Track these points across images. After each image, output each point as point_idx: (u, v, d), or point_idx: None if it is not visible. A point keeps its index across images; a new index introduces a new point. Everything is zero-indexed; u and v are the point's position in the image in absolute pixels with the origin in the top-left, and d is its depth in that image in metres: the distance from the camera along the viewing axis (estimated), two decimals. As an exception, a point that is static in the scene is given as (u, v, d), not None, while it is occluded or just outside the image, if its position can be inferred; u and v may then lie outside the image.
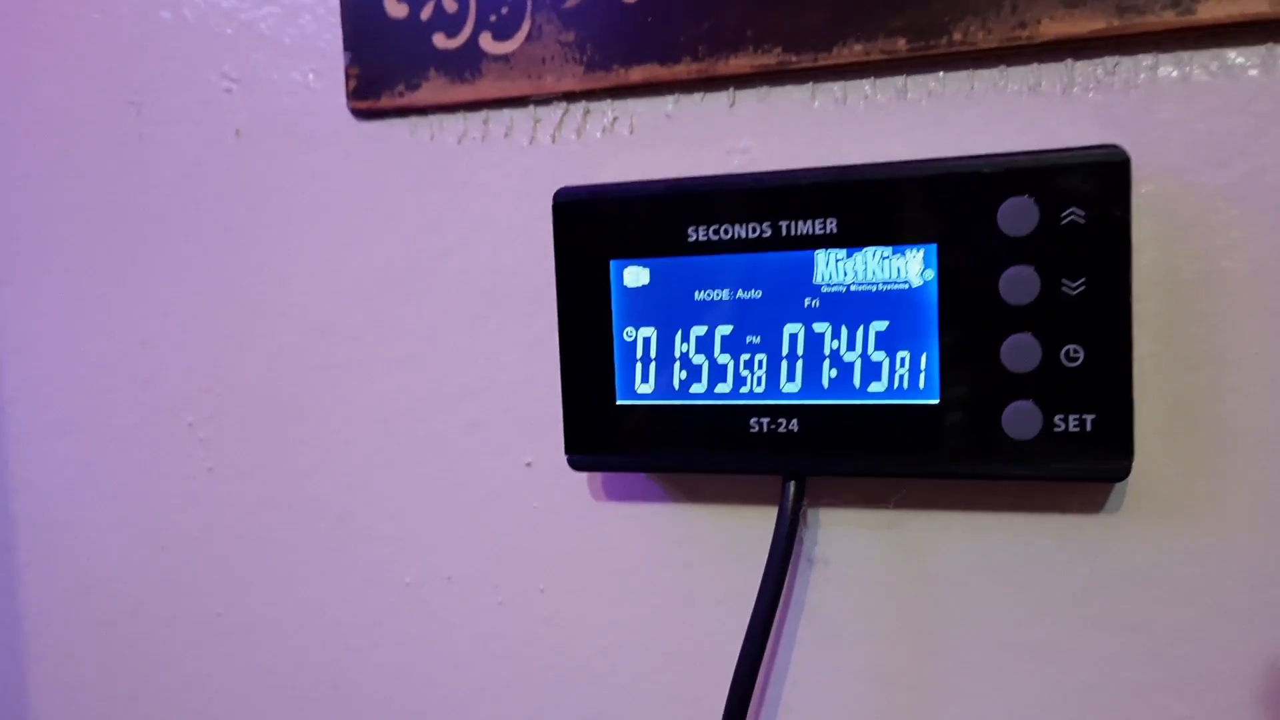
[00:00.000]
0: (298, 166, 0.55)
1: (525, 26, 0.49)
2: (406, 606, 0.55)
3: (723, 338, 0.44)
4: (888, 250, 0.41)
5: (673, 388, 0.45)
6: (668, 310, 0.44)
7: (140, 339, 0.59)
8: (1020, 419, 0.40)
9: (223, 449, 0.58)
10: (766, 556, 0.45)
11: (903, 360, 0.41)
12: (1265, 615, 0.41)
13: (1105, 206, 0.38)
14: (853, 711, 0.47)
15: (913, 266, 0.41)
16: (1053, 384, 0.39)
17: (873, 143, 0.44)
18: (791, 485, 0.44)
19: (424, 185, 0.52)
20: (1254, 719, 0.42)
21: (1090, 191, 0.38)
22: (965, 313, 0.40)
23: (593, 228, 0.45)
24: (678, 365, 0.44)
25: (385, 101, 0.52)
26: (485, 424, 0.52)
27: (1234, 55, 0.40)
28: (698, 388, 0.44)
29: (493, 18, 0.49)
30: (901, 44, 0.43)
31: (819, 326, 0.42)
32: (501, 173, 0.51)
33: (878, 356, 0.42)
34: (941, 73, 0.43)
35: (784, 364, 0.43)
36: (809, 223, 0.42)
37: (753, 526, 0.48)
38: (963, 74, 0.43)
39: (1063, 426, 0.39)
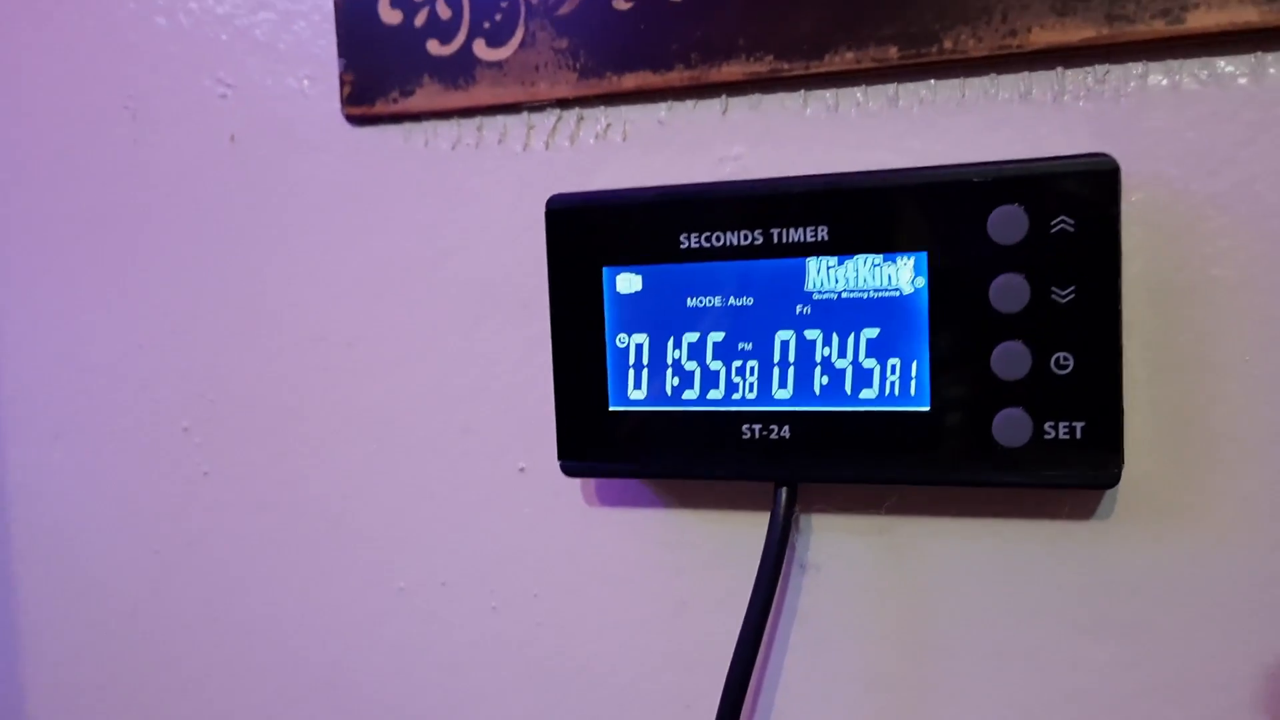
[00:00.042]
0: (292, 172, 0.55)
1: (519, 33, 0.49)
2: (401, 611, 0.55)
3: (715, 344, 0.44)
4: (879, 258, 0.41)
5: (665, 394, 0.45)
6: (660, 317, 0.45)
7: (136, 343, 0.59)
8: (1011, 426, 0.40)
9: (218, 453, 0.58)
10: (759, 562, 0.45)
11: (894, 367, 0.41)
12: (1257, 620, 0.41)
13: (1095, 215, 0.38)
14: (845, 717, 0.47)
15: (904, 274, 0.41)
16: (1043, 391, 0.39)
17: (864, 150, 0.45)
18: (783, 491, 0.44)
19: (418, 191, 0.52)
20: (1244, 725, 0.42)
21: (1080, 200, 0.38)
22: (956, 320, 0.40)
23: (586, 234, 0.45)
24: (670, 371, 0.45)
25: (380, 107, 0.52)
26: (479, 429, 0.52)
27: (1223, 64, 0.40)
28: (690, 394, 0.44)
29: (486, 24, 0.49)
30: (893, 52, 0.43)
31: (810, 333, 0.42)
32: (495, 179, 0.51)
33: (869, 363, 0.42)
34: (933, 81, 0.44)
35: (776, 370, 0.43)
36: (800, 230, 0.42)
37: (745, 532, 0.48)
38: (954, 82, 0.43)
39: (1053, 434, 0.39)
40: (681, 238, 0.44)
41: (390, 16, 0.51)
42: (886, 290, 0.41)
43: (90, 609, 0.63)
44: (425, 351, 0.53)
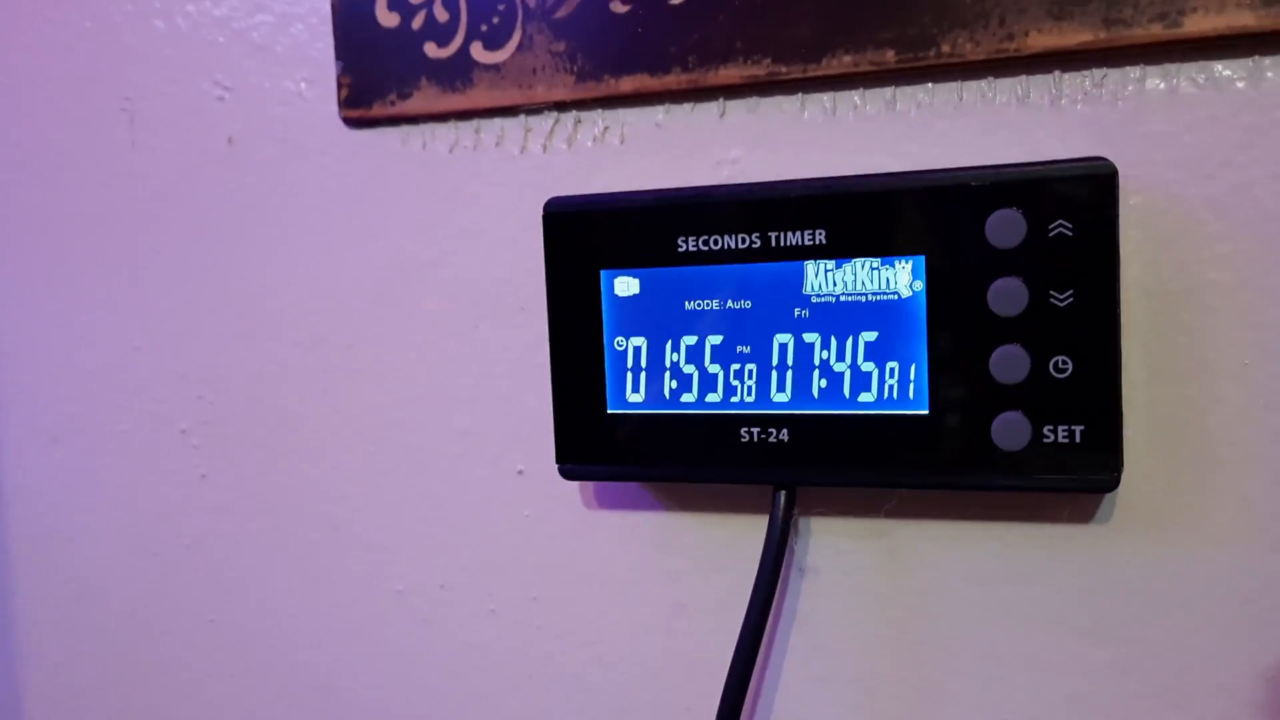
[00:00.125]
0: (289, 175, 0.55)
1: (516, 36, 0.49)
2: (399, 614, 0.55)
3: (713, 347, 0.44)
4: (877, 261, 0.41)
5: (663, 397, 0.45)
6: (658, 320, 0.45)
7: (134, 345, 0.59)
8: (1009, 430, 0.40)
9: (216, 455, 0.58)
10: (757, 565, 0.45)
11: (892, 370, 0.41)
12: (1254, 625, 0.41)
13: (1093, 218, 0.38)
14: (843, 720, 0.47)
15: (902, 277, 0.41)
16: (1042, 395, 0.39)
17: (862, 154, 0.45)
18: (782, 495, 0.44)
19: (415, 194, 0.52)
20: (1242, 728, 0.42)
21: (1078, 203, 0.38)
22: (954, 324, 0.40)
23: (583, 237, 0.45)
24: (668, 375, 0.45)
25: (377, 110, 0.52)
26: (477, 432, 0.52)
27: (1221, 68, 0.40)
28: (688, 397, 0.44)
29: (484, 27, 0.49)
30: (890, 55, 0.43)
31: (809, 336, 0.42)
32: (492, 182, 0.51)
33: (867, 367, 0.42)
34: (930, 84, 0.44)
35: (774, 374, 0.43)
36: (798, 233, 0.42)
37: (743, 535, 0.48)
38: (951, 85, 0.43)
39: (1052, 437, 0.39)
40: (679, 241, 0.44)
41: (388, 19, 0.51)
42: (885, 293, 0.41)
43: (88, 611, 0.63)
44: (423, 354, 0.53)
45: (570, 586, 0.52)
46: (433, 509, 0.54)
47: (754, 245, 0.43)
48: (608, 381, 0.46)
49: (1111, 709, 0.43)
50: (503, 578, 0.53)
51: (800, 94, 0.45)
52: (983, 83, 0.43)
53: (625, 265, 0.45)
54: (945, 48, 0.42)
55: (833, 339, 0.42)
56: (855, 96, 0.45)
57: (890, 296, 0.41)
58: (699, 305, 0.44)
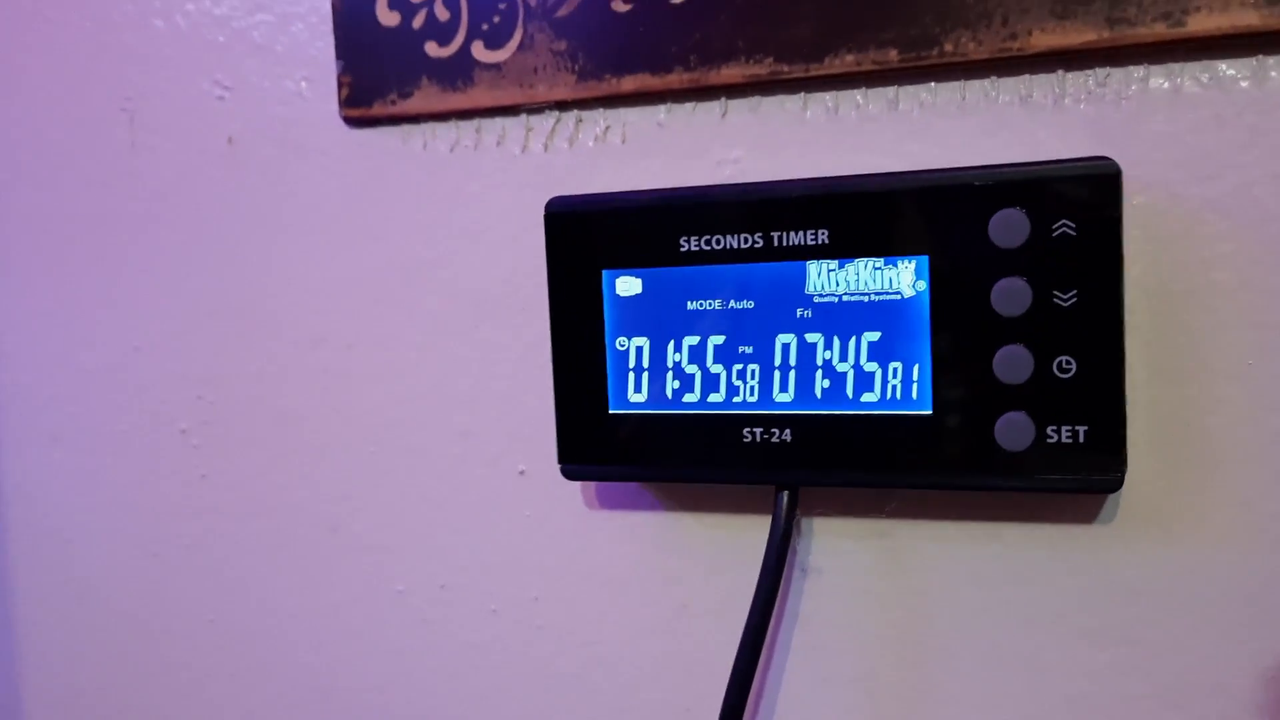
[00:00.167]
0: (290, 174, 0.54)
1: (517, 35, 0.49)
2: (399, 614, 0.55)
3: (715, 348, 0.44)
4: (880, 261, 0.41)
5: (665, 397, 0.45)
6: (660, 320, 0.44)
7: (134, 345, 0.59)
8: (1013, 430, 0.40)
9: (216, 456, 0.58)
10: (758, 566, 0.45)
11: (895, 371, 0.41)
12: (1256, 626, 0.41)
13: (1096, 218, 0.38)
14: (845, 720, 0.47)
15: (905, 277, 0.41)
16: (1045, 395, 0.39)
17: (864, 153, 0.45)
18: (785, 495, 0.44)
19: (416, 193, 0.52)
20: (1245, 728, 0.42)
21: (1081, 203, 0.38)
22: (957, 324, 0.40)
23: (585, 237, 0.45)
24: (670, 375, 0.44)
25: (377, 109, 0.52)
26: (478, 432, 0.52)
27: (1224, 67, 0.40)
28: (690, 397, 0.44)
29: (485, 26, 0.49)
30: (893, 55, 0.43)
31: (811, 337, 0.42)
32: (494, 181, 0.51)
33: (870, 367, 0.42)
34: (933, 84, 0.43)
35: (776, 374, 0.43)
36: (801, 234, 0.42)
37: (745, 536, 0.48)
38: (954, 85, 0.43)
39: (1055, 438, 0.39)
40: (681, 241, 0.44)
41: (388, 18, 0.51)
42: (888, 293, 0.41)
43: (88, 612, 0.62)
44: (424, 354, 0.53)
45: (571, 587, 0.52)
46: (433, 509, 0.54)
47: (756, 245, 0.43)
48: (609, 381, 0.45)
49: (1112, 709, 0.43)
50: (504, 578, 0.53)
51: (802, 93, 0.45)
52: (986, 82, 0.43)
53: (627, 265, 0.45)
54: (948, 47, 0.42)
55: (835, 339, 0.42)
56: (858, 96, 0.45)
57: (893, 296, 0.41)
58: (701, 305, 0.44)
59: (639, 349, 0.45)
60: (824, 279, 0.42)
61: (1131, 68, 0.41)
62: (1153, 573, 0.42)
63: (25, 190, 0.61)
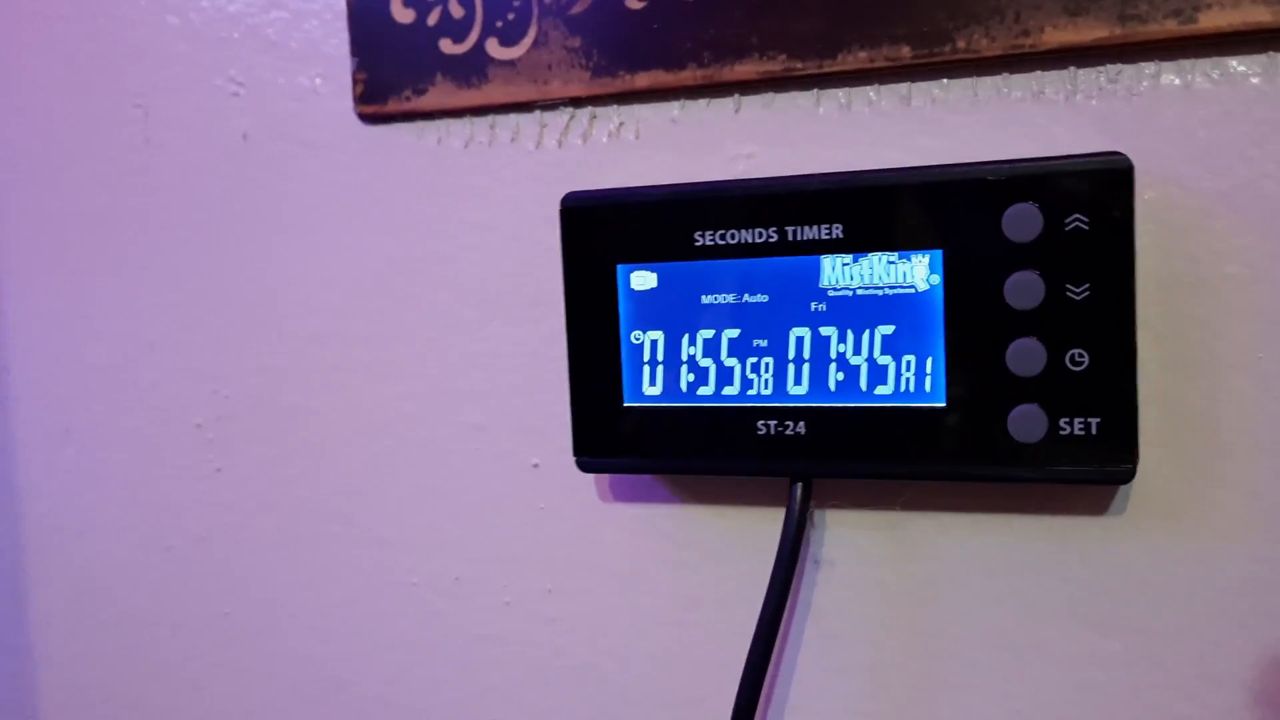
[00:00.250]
0: (304, 171, 0.55)
1: (531, 32, 0.49)
2: (413, 606, 0.55)
3: (730, 341, 0.44)
4: (893, 255, 0.41)
5: (680, 390, 0.45)
6: (675, 313, 0.45)
7: (148, 341, 0.59)
8: (1026, 422, 0.40)
9: (231, 450, 0.58)
10: (773, 558, 0.45)
11: (909, 363, 0.42)
12: (1266, 616, 0.42)
13: (1109, 213, 0.38)
14: (858, 712, 0.48)
15: (918, 271, 0.41)
16: (1058, 387, 0.40)
17: (877, 149, 0.45)
18: (799, 487, 0.44)
19: (430, 189, 0.53)
20: None
21: (1094, 198, 0.39)
22: (971, 317, 0.41)
23: (600, 232, 0.46)
24: (685, 368, 0.45)
25: (392, 106, 0.52)
26: (492, 426, 0.53)
27: (1235, 63, 0.40)
28: (705, 390, 0.45)
29: (499, 23, 0.49)
30: (906, 51, 0.43)
31: (825, 330, 0.43)
32: (507, 177, 0.51)
33: (884, 360, 0.42)
34: (945, 80, 0.44)
35: (791, 367, 0.43)
36: (815, 228, 0.42)
37: (758, 528, 0.48)
38: (966, 81, 0.44)
39: (1068, 429, 0.40)
40: (696, 235, 0.44)
41: (403, 15, 0.51)
42: (901, 287, 0.41)
43: (102, 606, 0.63)
44: (438, 348, 0.53)
45: (584, 579, 0.52)
46: (446, 502, 0.54)
47: (770, 239, 0.43)
48: (624, 374, 0.46)
49: (1123, 699, 0.44)
50: (517, 571, 0.53)
51: (815, 89, 0.46)
52: (998, 78, 0.43)
53: (642, 259, 0.45)
54: (960, 43, 0.42)
55: (849, 332, 0.42)
56: (870, 92, 0.45)
57: (907, 290, 0.41)
58: (716, 299, 0.44)
59: (654, 342, 0.45)
60: (838, 273, 0.42)
61: (1143, 64, 0.41)
62: (1163, 563, 0.43)
63: (39, 187, 0.61)
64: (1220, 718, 0.43)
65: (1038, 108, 0.43)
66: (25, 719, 0.66)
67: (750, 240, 0.43)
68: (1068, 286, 0.39)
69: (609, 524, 0.51)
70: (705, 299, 0.44)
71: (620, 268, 0.45)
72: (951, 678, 0.46)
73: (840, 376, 0.43)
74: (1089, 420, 0.39)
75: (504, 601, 0.54)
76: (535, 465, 0.52)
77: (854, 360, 0.42)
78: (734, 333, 0.44)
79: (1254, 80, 0.40)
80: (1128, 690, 0.44)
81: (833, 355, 0.43)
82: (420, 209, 0.53)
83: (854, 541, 0.47)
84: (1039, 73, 0.42)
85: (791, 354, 0.43)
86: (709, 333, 0.44)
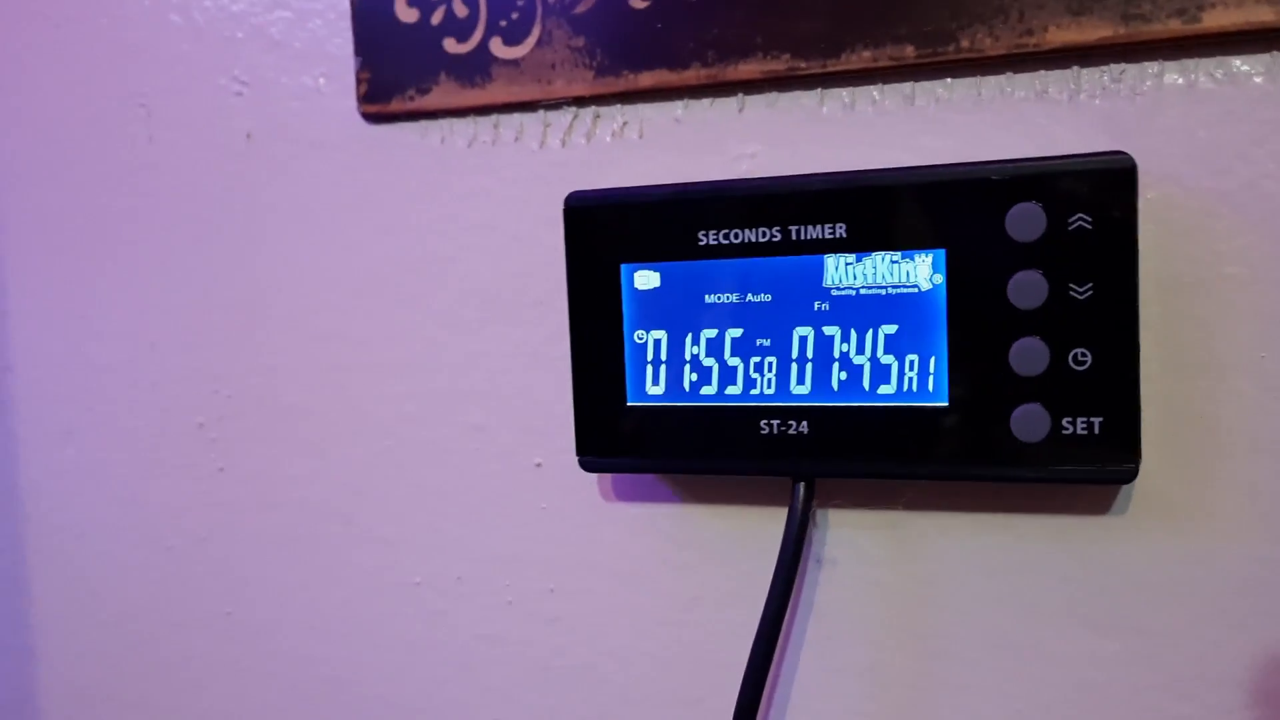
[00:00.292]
0: (308, 170, 0.55)
1: (535, 31, 0.49)
2: (415, 606, 0.55)
3: (733, 340, 0.44)
4: (897, 255, 0.41)
5: (683, 389, 0.45)
6: (678, 313, 0.45)
7: (150, 341, 0.59)
8: (1029, 421, 0.40)
9: (233, 450, 0.58)
10: (773, 558, 0.45)
11: (912, 363, 0.42)
12: (1266, 617, 0.42)
13: (1112, 212, 0.39)
14: (858, 712, 0.48)
15: (922, 271, 0.41)
16: (1061, 387, 0.40)
17: (880, 148, 0.45)
18: (801, 486, 0.44)
19: (434, 189, 0.53)
20: None
21: (1097, 198, 0.39)
22: (974, 316, 0.41)
23: (604, 232, 0.46)
24: (688, 367, 0.45)
25: (396, 105, 0.52)
26: (494, 425, 0.53)
27: (1239, 63, 0.40)
28: (708, 389, 0.45)
29: (503, 23, 0.49)
30: (909, 51, 0.43)
31: (829, 329, 0.43)
32: (511, 177, 0.51)
33: (887, 359, 0.42)
34: (949, 79, 0.44)
35: (794, 366, 0.43)
36: (818, 227, 0.42)
37: (760, 527, 0.48)
38: (970, 80, 0.44)
39: (1071, 429, 0.40)
40: (700, 235, 0.44)
41: (407, 14, 0.51)
42: (905, 287, 0.42)
43: (104, 606, 0.63)
44: (440, 348, 0.53)
45: (586, 579, 0.52)
46: (448, 502, 0.54)
47: (774, 239, 0.43)
48: (628, 374, 0.46)
49: (1122, 699, 0.44)
50: (519, 570, 0.53)
51: (819, 89, 0.46)
52: (1001, 78, 0.43)
53: (645, 259, 0.45)
54: (964, 43, 0.42)
55: (853, 332, 0.42)
56: (874, 91, 0.45)
57: (910, 290, 0.41)
58: (719, 298, 0.44)
59: (657, 342, 0.45)
60: (841, 272, 0.42)
61: (1146, 63, 0.41)
62: (1164, 563, 0.43)
63: (42, 186, 0.61)
64: (1219, 718, 0.43)
65: (1041, 107, 0.43)
66: (26, 718, 0.66)
67: (754, 240, 0.43)
68: (1071, 286, 0.39)
69: (611, 524, 0.51)
70: (708, 298, 0.44)
71: (624, 267, 0.45)
72: (952, 678, 0.46)
73: (843, 376, 0.43)
74: (1091, 420, 0.39)
75: (506, 601, 0.54)
76: (537, 465, 0.52)
77: (857, 360, 0.42)
78: (737, 332, 0.44)
79: (1257, 80, 0.40)
80: (1127, 690, 0.44)
81: (836, 355, 0.43)
82: (423, 209, 0.53)
83: (856, 541, 0.47)
84: (1042, 72, 0.43)
85: (795, 353, 0.43)
86: (712, 332, 0.44)
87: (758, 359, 0.44)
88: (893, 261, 0.42)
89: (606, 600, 0.52)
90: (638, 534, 0.51)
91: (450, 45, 0.50)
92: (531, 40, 0.49)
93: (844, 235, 0.42)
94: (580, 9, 0.48)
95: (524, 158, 0.51)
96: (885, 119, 0.45)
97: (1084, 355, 0.39)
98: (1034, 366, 0.40)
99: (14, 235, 0.62)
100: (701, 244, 0.44)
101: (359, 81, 0.53)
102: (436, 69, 0.51)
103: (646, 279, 0.45)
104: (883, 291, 0.42)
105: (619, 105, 0.49)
